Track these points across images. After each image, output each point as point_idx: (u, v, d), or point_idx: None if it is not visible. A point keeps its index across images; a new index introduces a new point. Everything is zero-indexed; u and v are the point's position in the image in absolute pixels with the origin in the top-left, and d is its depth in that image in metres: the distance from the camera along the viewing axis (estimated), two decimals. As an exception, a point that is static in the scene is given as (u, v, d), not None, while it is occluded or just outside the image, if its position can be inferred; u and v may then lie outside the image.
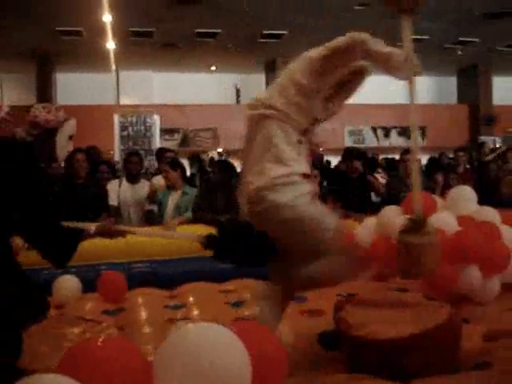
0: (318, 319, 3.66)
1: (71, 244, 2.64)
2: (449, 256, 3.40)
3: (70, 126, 2.95)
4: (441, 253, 2.85)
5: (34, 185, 2.53)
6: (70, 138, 2.94)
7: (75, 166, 5.59)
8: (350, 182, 6.44)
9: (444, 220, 3.78)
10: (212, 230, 5.21)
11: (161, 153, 7.82)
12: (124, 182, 6.46)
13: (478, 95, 19.33)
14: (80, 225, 2.77)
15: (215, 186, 5.98)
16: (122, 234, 2.93)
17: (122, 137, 13.77)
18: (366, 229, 4.40)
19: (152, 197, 6.20)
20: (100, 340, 1.46)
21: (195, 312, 3.98)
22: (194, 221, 5.76)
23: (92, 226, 2.76)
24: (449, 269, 3.50)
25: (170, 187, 6.12)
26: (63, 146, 2.91)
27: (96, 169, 6.49)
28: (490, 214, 4.04)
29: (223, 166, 6.34)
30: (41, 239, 2.52)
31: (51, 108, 2.92)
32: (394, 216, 3.86)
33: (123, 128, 13.94)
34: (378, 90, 17.36)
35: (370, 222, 4.44)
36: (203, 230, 5.20)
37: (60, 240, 2.59)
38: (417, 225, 2.77)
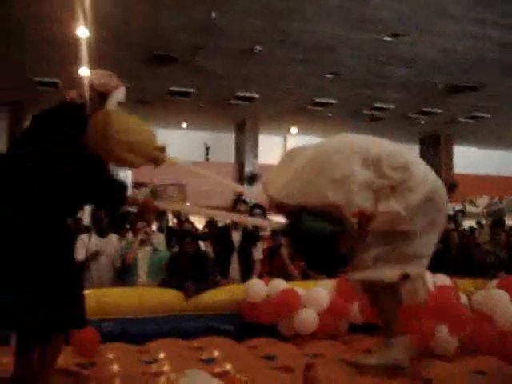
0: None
1: (120, 193, 3.10)
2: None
3: (121, 93, 3.22)
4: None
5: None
6: (119, 104, 3.21)
7: None
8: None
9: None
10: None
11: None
12: (94, 235, 6.56)
13: (439, 163, 19.73)
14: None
15: (189, 258, 5.95)
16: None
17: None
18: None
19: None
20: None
21: (167, 367, 3.97)
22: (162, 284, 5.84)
23: (139, 196, 3.11)
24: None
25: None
26: None
27: None
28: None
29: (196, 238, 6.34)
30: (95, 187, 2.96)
31: (106, 73, 3.21)
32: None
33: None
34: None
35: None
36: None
37: (111, 187, 3.06)
38: None
